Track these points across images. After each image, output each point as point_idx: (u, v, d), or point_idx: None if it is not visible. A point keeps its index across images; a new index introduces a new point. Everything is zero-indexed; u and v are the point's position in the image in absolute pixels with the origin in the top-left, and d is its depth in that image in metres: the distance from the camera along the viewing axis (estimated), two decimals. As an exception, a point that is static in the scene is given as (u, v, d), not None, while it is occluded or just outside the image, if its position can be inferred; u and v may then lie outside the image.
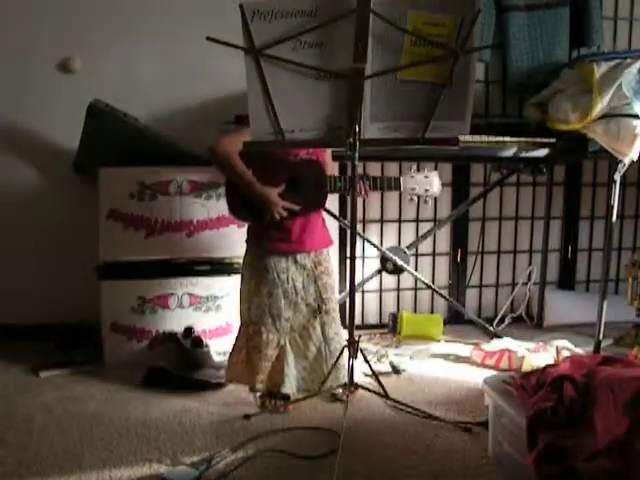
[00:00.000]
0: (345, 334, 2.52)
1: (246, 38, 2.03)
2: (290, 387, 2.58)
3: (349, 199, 2.84)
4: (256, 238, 2.67)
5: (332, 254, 2.78)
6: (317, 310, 2.64)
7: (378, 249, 3.67)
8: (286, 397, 2.56)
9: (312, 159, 2.59)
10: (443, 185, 3.71)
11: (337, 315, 2.71)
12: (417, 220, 3.83)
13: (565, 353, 2.99)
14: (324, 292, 2.65)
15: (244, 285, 2.68)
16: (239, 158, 2.52)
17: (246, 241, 2.71)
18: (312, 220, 2.65)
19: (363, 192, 2.57)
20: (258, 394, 2.63)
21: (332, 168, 2.78)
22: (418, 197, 2.67)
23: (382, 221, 3.79)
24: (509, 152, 3.15)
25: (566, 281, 4.05)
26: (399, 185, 2.62)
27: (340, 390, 2.58)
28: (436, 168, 3.71)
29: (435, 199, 3.74)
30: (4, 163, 3.43)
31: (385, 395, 2.56)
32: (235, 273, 3.14)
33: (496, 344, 3.18)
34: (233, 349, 2.71)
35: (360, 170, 2.81)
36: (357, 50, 2.03)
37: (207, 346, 2.98)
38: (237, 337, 2.71)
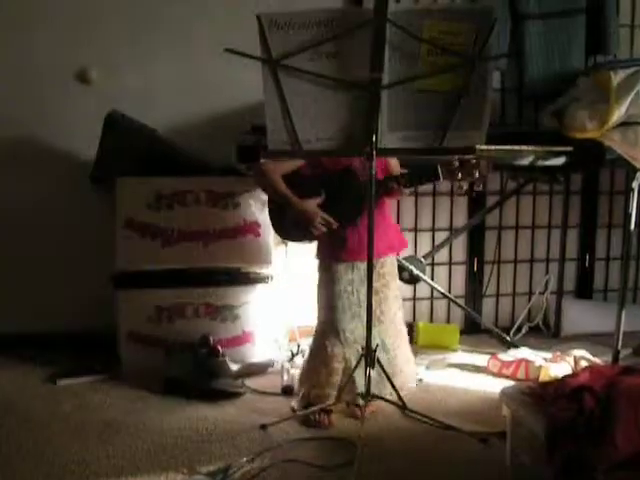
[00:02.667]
0: (406, 351, 2.55)
1: (263, 49, 2.04)
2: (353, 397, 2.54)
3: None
4: (322, 251, 2.69)
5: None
6: (376, 319, 2.57)
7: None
8: (328, 410, 2.54)
9: (348, 169, 2.58)
10: (459, 194, 3.76)
11: (398, 328, 2.68)
12: (433, 229, 3.81)
13: (583, 363, 2.96)
14: (383, 304, 2.63)
15: (318, 298, 2.70)
16: (280, 179, 2.56)
17: (316, 256, 2.73)
18: (378, 226, 2.53)
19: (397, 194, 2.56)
20: (297, 407, 2.61)
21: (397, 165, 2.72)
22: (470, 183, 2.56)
23: (398, 230, 3.78)
24: (525, 161, 3.13)
25: (583, 290, 4.01)
26: (437, 174, 2.48)
27: (356, 407, 2.56)
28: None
29: (451, 207, 3.76)
30: (22, 173, 3.46)
31: (402, 405, 2.55)
32: (252, 282, 3.16)
33: (513, 354, 3.16)
34: (309, 367, 2.69)
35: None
36: (374, 60, 2.04)
37: (223, 355, 2.98)
38: (312, 348, 2.71)
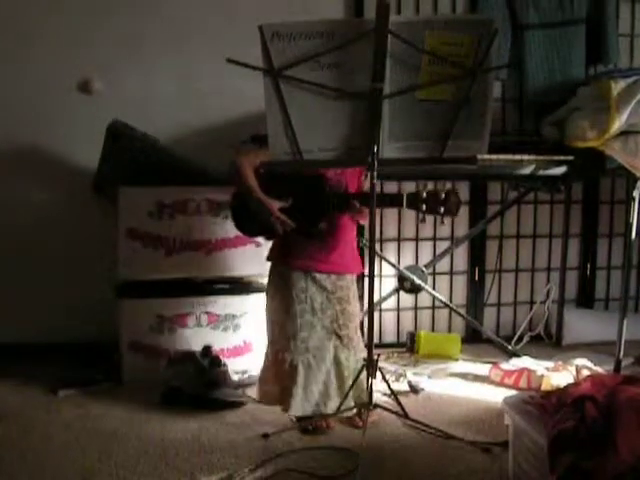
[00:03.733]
0: (364, 354, 2.50)
1: (265, 59, 2.05)
2: (297, 408, 2.51)
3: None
4: (277, 254, 2.67)
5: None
6: (332, 333, 2.59)
7: (396, 268, 3.66)
8: (324, 415, 2.53)
9: (319, 177, 2.54)
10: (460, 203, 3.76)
11: (354, 343, 2.64)
12: (434, 239, 3.82)
13: (585, 372, 2.96)
14: (341, 317, 2.61)
15: (268, 303, 2.68)
16: (251, 171, 2.53)
17: (268, 258, 2.71)
18: (336, 242, 2.61)
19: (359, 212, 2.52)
20: (294, 417, 2.60)
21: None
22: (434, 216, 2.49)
23: (399, 240, 3.79)
24: (526, 170, 3.15)
25: (585, 299, 4.01)
26: (401, 201, 2.43)
27: (356, 417, 2.57)
28: (454, 187, 3.72)
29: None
30: (25, 183, 3.47)
31: (404, 415, 2.55)
32: (253, 292, 3.16)
33: (515, 363, 3.16)
34: (262, 368, 2.69)
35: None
36: (375, 70, 2.05)
37: (225, 365, 2.97)
38: (265, 355, 2.69)
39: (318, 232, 2.56)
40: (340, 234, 2.62)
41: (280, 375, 2.58)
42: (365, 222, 2.63)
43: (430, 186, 2.41)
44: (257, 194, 2.52)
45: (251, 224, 2.66)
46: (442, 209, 2.36)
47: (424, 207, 2.37)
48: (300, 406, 2.52)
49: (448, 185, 2.38)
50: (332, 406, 2.53)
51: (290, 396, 2.52)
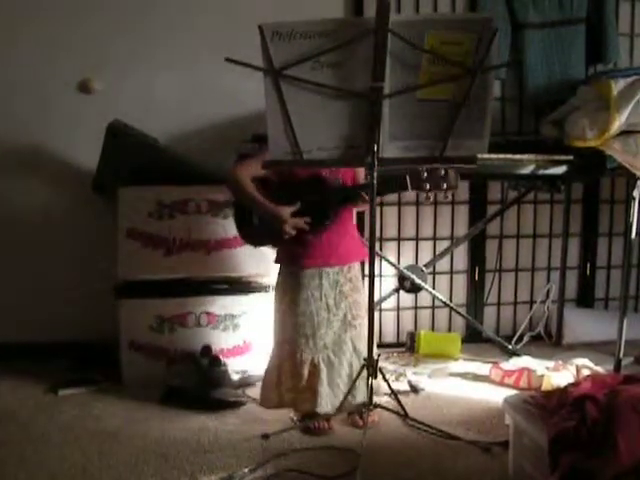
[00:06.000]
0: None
1: (265, 59, 2.05)
2: (325, 405, 2.51)
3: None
4: (286, 256, 2.67)
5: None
6: (347, 325, 2.61)
7: (396, 268, 3.66)
8: (327, 417, 2.53)
9: (317, 176, 2.56)
10: (460, 203, 3.77)
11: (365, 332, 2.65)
12: (434, 238, 3.82)
13: (585, 372, 2.96)
14: (354, 308, 2.63)
15: (277, 304, 2.67)
16: (250, 181, 2.53)
17: (276, 261, 2.71)
18: (342, 235, 2.62)
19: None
20: (296, 417, 2.61)
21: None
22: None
23: (399, 239, 3.78)
24: (526, 170, 3.14)
25: (585, 299, 4.01)
26: (406, 185, 2.42)
27: (357, 416, 2.56)
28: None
29: (452, 216, 3.77)
30: (24, 182, 3.47)
31: (404, 415, 2.55)
32: (253, 292, 3.16)
33: (515, 363, 3.16)
34: (267, 371, 2.67)
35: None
36: (375, 69, 2.05)
37: (225, 365, 2.98)
38: (270, 358, 2.68)
39: (326, 227, 2.57)
40: (343, 227, 2.64)
41: (296, 377, 2.56)
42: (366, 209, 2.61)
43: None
44: (266, 207, 2.52)
45: (261, 235, 2.65)
46: (445, 184, 2.36)
47: (427, 186, 2.37)
48: (327, 403, 2.52)
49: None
50: (360, 397, 2.52)
51: (315, 394, 2.51)
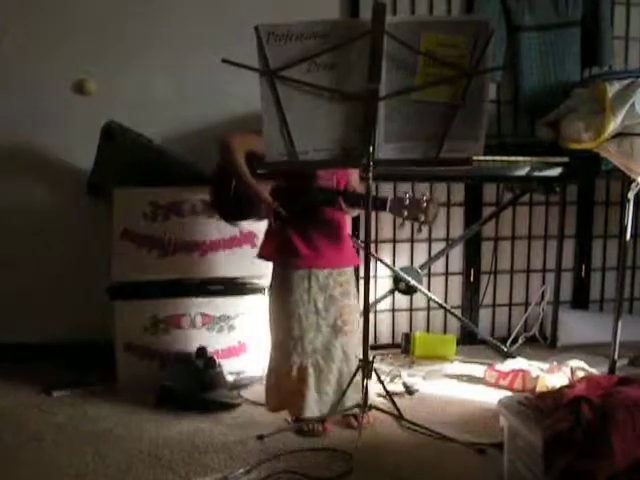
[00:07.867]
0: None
1: (261, 60, 2.05)
2: (311, 411, 2.51)
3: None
4: (273, 254, 2.66)
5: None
6: (337, 330, 2.59)
7: (391, 269, 3.66)
8: (322, 419, 2.52)
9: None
10: (455, 205, 3.77)
11: (358, 338, 2.62)
12: (429, 240, 3.82)
13: (580, 373, 2.96)
14: (344, 313, 2.61)
15: (271, 306, 2.67)
16: (243, 152, 2.51)
17: (259, 256, 2.70)
18: (333, 238, 2.61)
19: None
20: (291, 419, 2.60)
21: (359, 187, 2.69)
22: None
23: (394, 241, 3.78)
24: (521, 172, 3.15)
25: (580, 300, 4.02)
26: (385, 205, 2.40)
27: (352, 418, 2.56)
28: (449, 188, 3.73)
29: (448, 219, 3.77)
30: (19, 183, 3.45)
31: (399, 416, 2.55)
32: (248, 293, 3.15)
33: (510, 364, 3.15)
34: (267, 374, 2.68)
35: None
36: (371, 71, 2.05)
37: (220, 366, 2.97)
38: (269, 361, 2.68)
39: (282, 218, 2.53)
40: (335, 231, 2.63)
41: (288, 379, 2.56)
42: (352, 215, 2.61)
43: (410, 193, 2.37)
44: (245, 176, 2.49)
45: (238, 208, 2.64)
46: (422, 217, 2.33)
47: (405, 213, 2.35)
48: (313, 408, 2.52)
49: (427, 194, 2.33)
50: (349, 403, 2.52)
51: (303, 399, 2.51)
